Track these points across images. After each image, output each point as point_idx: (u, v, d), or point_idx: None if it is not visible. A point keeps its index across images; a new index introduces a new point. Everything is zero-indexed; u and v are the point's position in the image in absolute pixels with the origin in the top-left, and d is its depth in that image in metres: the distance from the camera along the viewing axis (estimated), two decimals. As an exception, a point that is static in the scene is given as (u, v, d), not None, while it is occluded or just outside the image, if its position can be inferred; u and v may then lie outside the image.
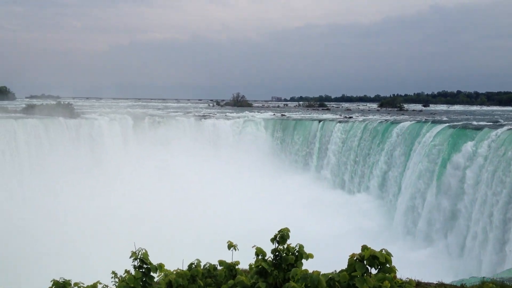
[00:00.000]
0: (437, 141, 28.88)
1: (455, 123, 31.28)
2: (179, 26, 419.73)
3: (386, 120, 39.42)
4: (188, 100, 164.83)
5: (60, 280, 6.30)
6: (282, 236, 5.31)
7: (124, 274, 6.53)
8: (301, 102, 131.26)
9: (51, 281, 6.31)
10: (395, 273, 4.06)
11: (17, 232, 25.86)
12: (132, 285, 5.07)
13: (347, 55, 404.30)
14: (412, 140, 32.10)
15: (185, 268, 6.13)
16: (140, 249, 5.32)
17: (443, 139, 28.75)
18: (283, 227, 5.46)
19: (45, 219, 27.47)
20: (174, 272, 5.87)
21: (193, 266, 6.14)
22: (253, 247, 5.58)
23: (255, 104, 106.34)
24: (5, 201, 29.82)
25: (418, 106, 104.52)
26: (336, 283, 4.05)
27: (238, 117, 48.71)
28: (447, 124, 31.18)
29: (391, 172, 33.34)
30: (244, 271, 6.11)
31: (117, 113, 47.75)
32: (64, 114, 41.71)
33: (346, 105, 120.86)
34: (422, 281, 10.66)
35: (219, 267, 6.14)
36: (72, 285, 6.26)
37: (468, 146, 26.44)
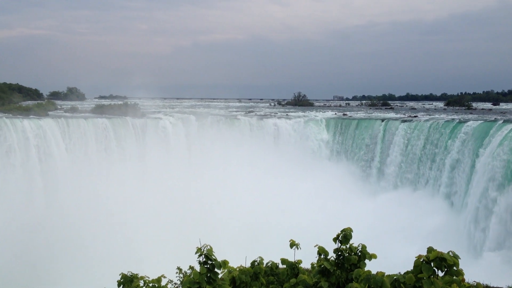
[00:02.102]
0: (508, 142, 27.59)
1: (528, 123, 29.74)
2: (240, 26, 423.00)
3: (453, 119, 38.08)
4: (250, 99, 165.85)
5: (128, 274, 6.57)
6: (344, 236, 5.28)
7: (188, 269, 6.71)
8: (363, 101, 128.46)
9: (119, 274, 6.60)
10: (463, 276, 3.94)
11: (86, 228, 27.03)
12: (197, 280, 5.19)
13: (410, 53, 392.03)
14: (481, 141, 30.82)
15: (248, 265, 6.21)
16: (205, 245, 5.43)
17: (514, 139, 27.41)
18: (345, 227, 5.42)
19: (110, 215, 28.50)
20: (238, 269, 5.97)
21: (256, 263, 6.21)
22: (315, 246, 5.57)
23: (316, 104, 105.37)
24: (74, 198, 31.18)
25: (488, 105, 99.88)
26: (402, 285, 3.97)
27: (299, 117, 48.53)
28: (519, 123, 29.71)
29: (458, 174, 32.16)
30: (306, 270, 6.12)
31: (181, 112, 48.89)
32: (131, 113, 43.28)
33: (410, 103, 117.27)
34: (491, 285, 10.29)
35: (281, 266, 6.18)
36: (139, 278, 6.50)
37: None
